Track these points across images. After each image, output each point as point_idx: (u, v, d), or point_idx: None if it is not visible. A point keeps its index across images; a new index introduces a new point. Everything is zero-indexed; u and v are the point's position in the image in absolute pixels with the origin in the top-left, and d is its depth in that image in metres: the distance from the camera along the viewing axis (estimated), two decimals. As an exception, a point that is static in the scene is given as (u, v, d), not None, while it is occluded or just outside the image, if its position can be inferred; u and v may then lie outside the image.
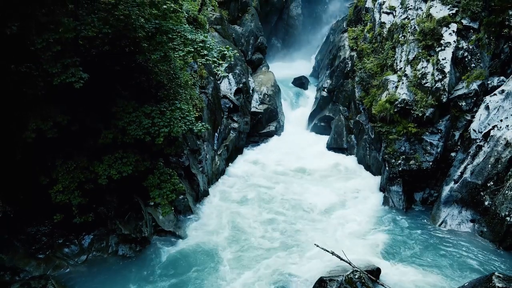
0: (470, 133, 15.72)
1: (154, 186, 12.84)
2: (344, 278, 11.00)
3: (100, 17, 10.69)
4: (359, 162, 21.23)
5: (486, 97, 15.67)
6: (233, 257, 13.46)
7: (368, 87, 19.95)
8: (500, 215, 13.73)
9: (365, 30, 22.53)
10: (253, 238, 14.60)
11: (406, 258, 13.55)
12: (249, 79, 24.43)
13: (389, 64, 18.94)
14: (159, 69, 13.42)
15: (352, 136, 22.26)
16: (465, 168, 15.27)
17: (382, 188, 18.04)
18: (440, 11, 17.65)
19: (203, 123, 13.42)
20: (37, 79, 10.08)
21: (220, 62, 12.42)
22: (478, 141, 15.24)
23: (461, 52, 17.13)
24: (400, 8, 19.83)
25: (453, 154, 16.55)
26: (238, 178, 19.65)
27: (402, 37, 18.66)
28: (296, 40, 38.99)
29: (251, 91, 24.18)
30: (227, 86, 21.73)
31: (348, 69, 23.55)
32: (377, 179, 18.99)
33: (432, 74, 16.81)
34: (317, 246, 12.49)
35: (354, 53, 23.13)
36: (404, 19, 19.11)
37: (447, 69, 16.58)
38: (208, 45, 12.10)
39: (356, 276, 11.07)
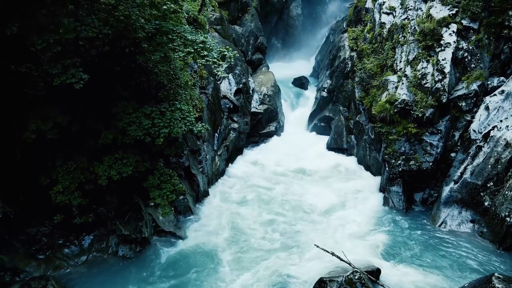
0: (470, 133, 15.72)
1: (154, 187, 12.84)
2: (344, 279, 11.00)
3: (100, 17, 10.70)
4: (359, 162, 21.23)
5: (486, 97, 15.68)
6: (233, 258, 13.45)
7: (368, 88, 19.95)
8: (500, 216, 13.74)
9: (365, 30, 22.53)
10: (253, 239, 14.59)
11: (406, 258, 13.55)
12: (249, 79, 24.43)
13: (389, 64, 18.95)
14: (159, 70, 13.42)
15: (352, 137, 22.26)
16: (465, 168, 15.28)
17: (382, 189, 18.04)
18: (440, 12, 17.65)
19: (203, 124, 13.43)
20: (37, 80, 10.08)
21: (220, 62, 12.43)
22: (478, 141, 15.25)
23: (461, 52, 17.14)
24: (400, 9, 19.83)
25: (453, 154, 16.55)
26: (238, 178, 19.65)
27: (402, 38, 18.67)
28: (296, 40, 38.98)
29: (251, 92, 24.18)
30: (227, 87, 21.73)
31: (348, 69, 23.55)
32: (377, 179, 18.99)
33: (432, 75, 16.82)
34: (317, 246, 12.50)
35: (354, 54, 23.13)
36: (404, 19, 19.11)
37: (447, 69, 16.59)
38: (208, 46, 12.12)
39: (356, 277, 11.08)
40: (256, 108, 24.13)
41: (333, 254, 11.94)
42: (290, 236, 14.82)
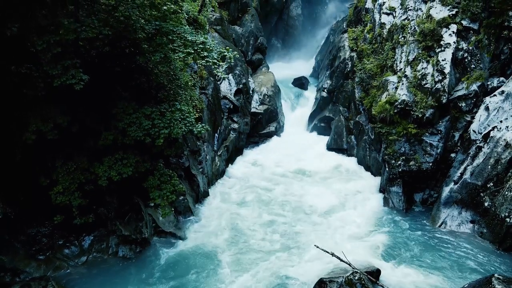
0: (470, 134, 15.73)
1: (154, 187, 12.84)
2: (344, 280, 11.00)
3: (100, 18, 10.70)
4: (359, 163, 21.24)
5: (486, 98, 15.68)
6: (233, 260, 13.45)
7: (368, 88, 19.96)
8: (500, 216, 13.74)
9: (365, 30, 22.54)
10: (252, 240, 14.59)
11: (406, 259, 13.55)
12: (249, 79, 24.44)
13: (389, 65, 18.95)
14: (159, 70, 13.42)
15: (352, 137, 22.27)
16: (465, 169, 15.28)
17: (382, 189, 18.04)
18: (440, 12, 17.65)
19: (203, 124, 13.43)
20: (37, 80, 10.09)
21: (220, 63, 12.43)
22: (478, 142, 15.25)
23: (461, 53, 17.14)
24: (400, 9, 19.84)
25: (453, 155, 16.56)
26: (238, 179, 19.65)
27: (402, 38, 18.67)
28: (296, 41, 38.99)
29: (251, 92, 24.18)
30: (227, 87, 21.73)
31: (348, 69, 23.56)
32: (377, 180, 19.00)
33: (432, 75, 16.82)
34: (317, 247, 12.50)
35: (354, 54, 23.14)
36: (404, 20, 19.11)
37: (447, 70, 16.60)
38: (208, 47, 12.12)
39: (356, 278, 11.08)
40: (256, 109, 24.13)
41: (333, 254, 11.94)
42: (290, 237, 14.81)
